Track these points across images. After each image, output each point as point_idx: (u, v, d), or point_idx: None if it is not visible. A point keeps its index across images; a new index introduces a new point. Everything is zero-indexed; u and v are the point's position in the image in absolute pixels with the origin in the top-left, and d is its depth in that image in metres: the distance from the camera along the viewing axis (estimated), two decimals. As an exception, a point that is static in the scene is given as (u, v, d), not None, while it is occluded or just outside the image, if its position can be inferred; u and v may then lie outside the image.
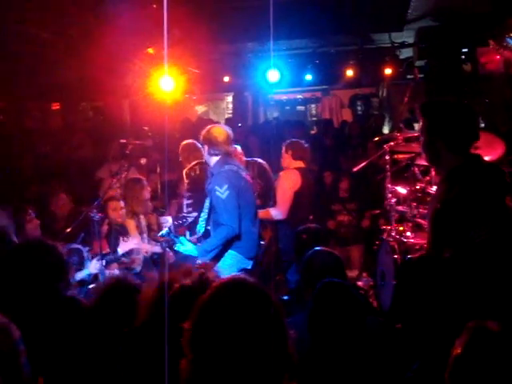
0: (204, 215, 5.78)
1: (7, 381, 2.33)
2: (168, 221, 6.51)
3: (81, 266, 5.44)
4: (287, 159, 6.98)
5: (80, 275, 5.41)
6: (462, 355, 1.83)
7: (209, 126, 5.81)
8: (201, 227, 5.82)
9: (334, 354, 3.12)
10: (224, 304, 1.91)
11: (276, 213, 6.73)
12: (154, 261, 6.54)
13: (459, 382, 1.81)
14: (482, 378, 1.77)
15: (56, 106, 12.08)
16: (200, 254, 5.40)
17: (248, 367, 1.85)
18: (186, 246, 5.52)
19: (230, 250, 5.52)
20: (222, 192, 5.37)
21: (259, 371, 1.85)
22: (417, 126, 11.17)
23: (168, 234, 5.74)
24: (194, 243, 5.69)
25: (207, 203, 5.70)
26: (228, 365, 1.84)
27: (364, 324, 3.26)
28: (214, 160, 5.61)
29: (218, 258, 5.47)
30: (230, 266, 5.46)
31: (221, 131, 5.66)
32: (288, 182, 6.82)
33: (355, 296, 3.33)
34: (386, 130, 13.25)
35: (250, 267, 5.58)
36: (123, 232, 6.39)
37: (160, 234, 5.98)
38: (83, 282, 5.44)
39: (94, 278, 5.58)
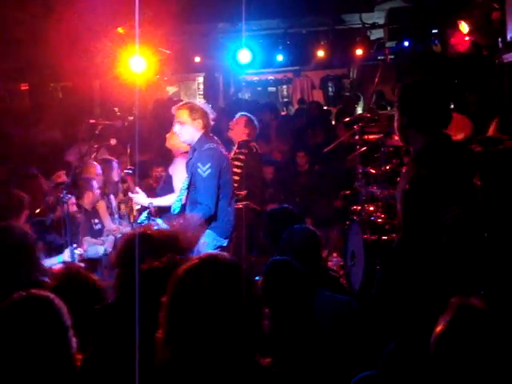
0: (180, 195, 5.74)
1: (56, 355, 2.30)
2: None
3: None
4: None
5: (51, 262, 5.32)
6: (445, 333, 1.81)
7: (191, 102, 5.82)
8: (176, 207, 5.78)
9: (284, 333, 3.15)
10: (199, 279, 1.94)
11: None
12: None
13: (443, 361, 1.80)
14: (468, 357, 1.75)
15: (24, 87, 11.84)
16: None
17: (220, 340, 1.89)
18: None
19: (206, 229, 5.49)
20: (204, 170, 5.37)
21: (231, 345, 1.89)
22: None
23: (148, 218, 5.69)
24: None
25: (185, 183, 5.66)
26: (201, 337, 1.88)
27: (311, 300, 3.31)
28: (197, 135, 5.57)
29: None
30: (206, 244, 5.45)
31: (207, 108, 5.69)
32: None
33: (301, 274, 3.37)
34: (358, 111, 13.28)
35: (225, 245, 5.63)
36: (94, 213, 6.35)
37: (139, 220, 5.94)
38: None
39: None
